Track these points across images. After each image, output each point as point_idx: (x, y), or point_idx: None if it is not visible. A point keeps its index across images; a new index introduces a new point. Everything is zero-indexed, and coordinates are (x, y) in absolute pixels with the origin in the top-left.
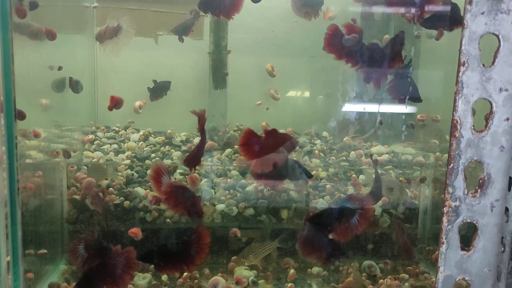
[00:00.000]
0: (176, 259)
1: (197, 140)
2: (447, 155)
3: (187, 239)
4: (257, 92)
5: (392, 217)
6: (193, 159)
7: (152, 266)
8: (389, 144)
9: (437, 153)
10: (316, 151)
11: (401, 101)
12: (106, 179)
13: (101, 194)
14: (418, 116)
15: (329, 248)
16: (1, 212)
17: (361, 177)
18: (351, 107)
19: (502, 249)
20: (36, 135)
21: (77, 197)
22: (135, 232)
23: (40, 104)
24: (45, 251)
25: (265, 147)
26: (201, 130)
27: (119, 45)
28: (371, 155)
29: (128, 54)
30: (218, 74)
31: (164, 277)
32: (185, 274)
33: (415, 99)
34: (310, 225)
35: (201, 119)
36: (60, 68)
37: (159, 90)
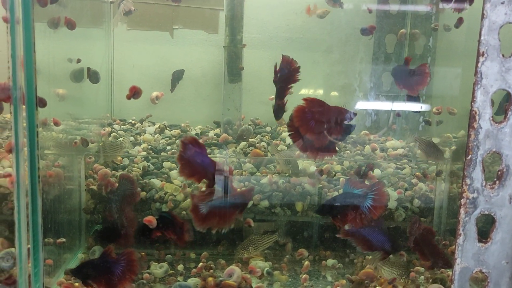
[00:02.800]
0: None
1: (211, 133)
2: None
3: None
4: (272, 86)
5: (420, 225)
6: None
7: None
8: (404, 138)
9: (453, 147)
10: None
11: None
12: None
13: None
14: (434, 109)
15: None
16: (22, 201)
17: (376, 171)
18: (366, 101)
19: None
20: (56, 123)
21: (94, 187)
22: (150, 220)
23: (56, 94)
24: (63, 239)
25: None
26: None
27: (117, 16)
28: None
29: (144, 48)
30: (233, 68)
31: (180, 267)
32: (200, 264)
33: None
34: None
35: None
36: (79, 61)
37: (177, 79)
